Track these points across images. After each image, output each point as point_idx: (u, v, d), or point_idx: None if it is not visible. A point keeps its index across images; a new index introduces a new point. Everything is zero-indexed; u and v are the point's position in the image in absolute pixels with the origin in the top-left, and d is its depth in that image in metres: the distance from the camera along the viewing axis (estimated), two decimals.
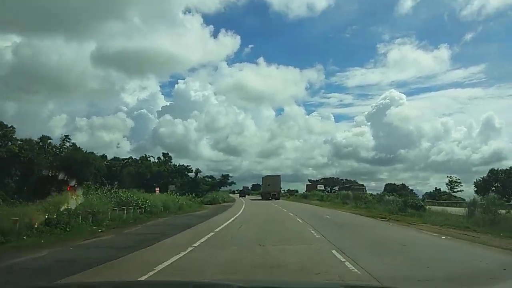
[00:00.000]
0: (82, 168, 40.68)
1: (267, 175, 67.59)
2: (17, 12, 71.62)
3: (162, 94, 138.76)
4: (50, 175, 22.00)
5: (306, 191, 78.64)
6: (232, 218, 20.91)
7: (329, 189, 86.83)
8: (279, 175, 67.64)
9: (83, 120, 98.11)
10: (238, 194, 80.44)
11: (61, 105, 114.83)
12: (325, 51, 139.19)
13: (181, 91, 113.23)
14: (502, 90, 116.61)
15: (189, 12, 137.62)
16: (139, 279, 6.43)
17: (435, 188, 71.10)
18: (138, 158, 65.79)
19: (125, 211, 17.05)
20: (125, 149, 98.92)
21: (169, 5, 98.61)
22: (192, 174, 67.43)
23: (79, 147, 51.38)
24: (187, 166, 67.25)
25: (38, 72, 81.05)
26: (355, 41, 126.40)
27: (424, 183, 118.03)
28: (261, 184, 71.48)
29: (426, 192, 65.73)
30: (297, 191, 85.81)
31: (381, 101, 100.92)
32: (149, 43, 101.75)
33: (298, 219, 20.90)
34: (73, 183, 15.82)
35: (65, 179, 16.39)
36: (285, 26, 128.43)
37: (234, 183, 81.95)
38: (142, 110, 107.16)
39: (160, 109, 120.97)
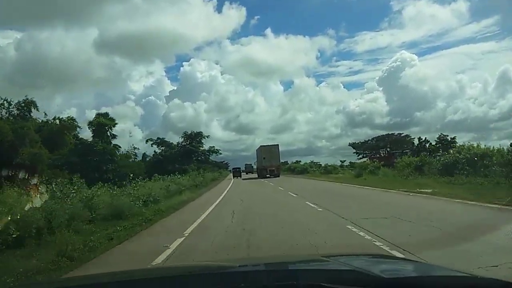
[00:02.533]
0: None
1: (262, 145, 52.93)
2: (14, 5, 68.35)
3: (168, 79, 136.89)
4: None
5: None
6: None
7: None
8: (277, 144, 52.20)
9: (93, 112, 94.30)
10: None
11: (69, 98, 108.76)
12: (332, 17, 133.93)
13: (188, 74, 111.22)
14: None
15: None
16: None
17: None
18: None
19: None
20: (137, 138, 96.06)
21: None
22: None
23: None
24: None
25: (42, 66, 78.36)
26: (363, 4, 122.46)
27: None
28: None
29: None
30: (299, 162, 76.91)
31: (392, 64, 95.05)
32: (152, 24, 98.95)
33: None
34: (35, 180, 13.80)
35: (26, 177, 14.31)
36: None
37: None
38: (150, 97, 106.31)
39: (168, 94, 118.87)
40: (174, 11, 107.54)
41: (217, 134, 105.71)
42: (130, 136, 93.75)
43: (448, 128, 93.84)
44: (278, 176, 46.75)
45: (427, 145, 50.69)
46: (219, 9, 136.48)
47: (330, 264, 2.09)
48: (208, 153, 65.43)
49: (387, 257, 2.42)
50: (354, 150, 67.64)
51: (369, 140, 67.04)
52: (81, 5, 79.10)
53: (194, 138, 62.48)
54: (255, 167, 60.84)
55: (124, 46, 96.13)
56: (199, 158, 62.76)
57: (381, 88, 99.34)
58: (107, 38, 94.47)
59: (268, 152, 49.11)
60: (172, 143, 61.56)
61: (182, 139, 61.93)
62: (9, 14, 70.26)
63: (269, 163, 48.25)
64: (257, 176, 51.85)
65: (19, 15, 74.90)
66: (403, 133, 64.42)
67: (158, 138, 61.96)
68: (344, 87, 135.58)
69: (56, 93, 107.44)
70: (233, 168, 67.68)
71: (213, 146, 66.82)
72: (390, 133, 66.19)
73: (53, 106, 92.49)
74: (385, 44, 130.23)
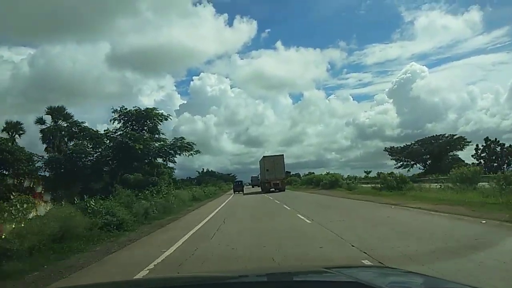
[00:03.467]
0: None
1: (264, 156, 47.22)
2: (27, 21, 68.77)
3: (178, 93, 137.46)
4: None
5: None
6: None
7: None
8: (282, 155, 46.55)
9: (104, 126, 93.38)
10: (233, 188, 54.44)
11: (81, 112, 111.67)
12: (342, 29, 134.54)
13: (198, 87, 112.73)
14: None
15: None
16: None
17: None
18: None
19: None
20: None
21: None
22: None
23: None
24: None
25: (54, 81, 77.84)
26: (371, 16, 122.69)
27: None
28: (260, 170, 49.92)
29: None
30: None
31: (402, 75, 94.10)
32: (163, 38, 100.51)
33: None
34: (39, 189, 13.85)
35: (31, 185, 14.37)
36: (301, 5, 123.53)
37: None
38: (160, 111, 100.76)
39: (178, 108, 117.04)
40: (185, 25, 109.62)
41: (227, 147, 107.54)
42: None
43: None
44: (283, 190, 42.58)
45: (497, 148, 43.37)
46: (230, 22, 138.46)
47: (332, 276, 2.03)
48: (170, 152, 29.90)
49: (392, 269, 2.38)
50: (391, 157, 60.04)
51: (410, 144, 58.99)
52: (93, 20, 79.87)
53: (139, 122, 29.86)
54: None
55: (135, 61, 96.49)
56: (158, 162, 30.13)
57: (391, 100, 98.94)
58: (119, 52, 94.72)
59: (272, 164, 43.88)
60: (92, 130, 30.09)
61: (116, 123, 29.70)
62: (23, 30, 71.55)
63: (273, 176, 43.39)
64: (261, 190, 47.42)
65: (32, 31, 76.42)
66: (456, 135, 56.58)
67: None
68: (353, 99, 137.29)
69: (68, 107, 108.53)
70: (234, 182, 60.78)
71: (182, 138, 31.57)
72: (437, 134, 58.24)
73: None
74: (395, 56, 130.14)
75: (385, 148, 63.55)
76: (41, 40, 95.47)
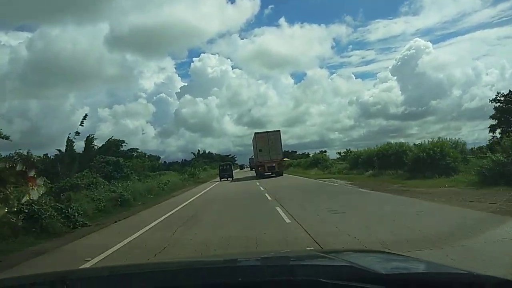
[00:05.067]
0: None
1: (256, 133, 38.21)
2: (25, 3, 66.46)
3: (179, 76, 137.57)
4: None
5: None
6: None
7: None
8: (278, 131, 37.38)
9: (106, 111, 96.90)
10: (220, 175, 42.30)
11: (82, 97, 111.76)
12: (345, 5, 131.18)
13: (198, 69, 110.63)
14: None
15: None
16: None
17: None
18: None
19: None
20: (150, 135, 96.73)
21: None
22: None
23: None
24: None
25: (54, 64, 76.66)
26: None
27: (456, 133, 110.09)
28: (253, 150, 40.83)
29: None
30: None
31: (406, 52, 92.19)
32: (163, 17, 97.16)
33: None
34: (32, 173, 13.70)
35: (24, 169, 14.21)
36: None
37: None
38: (161, 95, 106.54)
39: (179, 90, 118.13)
40: (186, 3, 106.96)
41: (229, 129, 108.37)
42: (143, 133, 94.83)
43: (464, 116, 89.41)
44: (281, 175, 35.53)
45: None
46: None
47: (328, 260, 2.02)
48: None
49: (388, 253, 2.40)
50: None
51: None
52: (90, 0, 77.90)
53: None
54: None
55: (136, 41, 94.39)
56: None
57: (394, 78, 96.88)
58: (119, 33, 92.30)
59: (265, 142, 35.95)
60: None
61: None
62: (21, 12, 69.77)
63: (268, 157, 35.52)
64: (255, 175, 39.44)
65: (30, 13, 74.61)
66: None
67: None
68: (356, 78, 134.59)
69: (69, 91, 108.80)
70: (219, 166, 45.15)
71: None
72: None
73: (67, 105, 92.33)
74: (399, 32, 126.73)
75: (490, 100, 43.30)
76: (39, 22, 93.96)
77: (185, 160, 77.62)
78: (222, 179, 39.73)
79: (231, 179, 39.65)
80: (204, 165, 63.40)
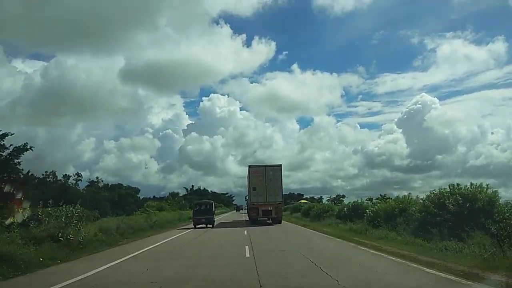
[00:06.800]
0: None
1: (251, 165, 31.07)
2: (41, 30, 71.61)
3: (186, 113, 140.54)
4: None
5: None
6: None
7: None
8: (279, 165, 30.13)
9: (111, 143, 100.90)
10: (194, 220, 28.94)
11: (89, 128, 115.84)
12: (357, 58, 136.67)
13: (208, 107, 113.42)
14: None
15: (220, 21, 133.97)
16: None
17: None
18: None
19: None
20: (153, 169, 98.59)
21: (200, 12, 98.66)
22: None
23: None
24: None
25: (65, 94, 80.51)
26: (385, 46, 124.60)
27: None
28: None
29: None
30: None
31: (413, 106, 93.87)
32: (180, 54, 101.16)
33: None
34: (19, 196, 14.19)
35: (12, 191, 14.71)
36: (322, 29, 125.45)
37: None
38: (167, 131, 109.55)
39: (186, 128, 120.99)
40: (203, 42, 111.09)
41: (232, 169, 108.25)
42: (146, 168, 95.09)
43: (469, 173, 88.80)
44: (279, 222, 29.25)
45: None
46: (248, 43, 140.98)
47: None
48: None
49: None
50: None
51: None
52: (109, 32, 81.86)
53: None
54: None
55: (149, 76, 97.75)
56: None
57: (400, 130, 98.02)
58: (133, 67, 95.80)
59: (262, 179, 28.86)
60: None
61: None
62: (38, 39, 74.81)
63: (263, 199, 28.66)
64: (247, 218, 32.98)
65: (47, 40, 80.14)
66: None
67: None
68: (361, 127, 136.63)
69: (77, 121, 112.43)
70: (194, 205, 31.19)
71: None
72: None
73: (73, 135, 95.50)
74: (406, 86, 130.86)
75: None
76: (55, 50, 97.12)
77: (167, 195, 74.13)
78: (197, 226, 27.54)
79: (211, 225, 27.85)
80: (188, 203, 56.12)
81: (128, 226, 21.47)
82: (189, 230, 25.36)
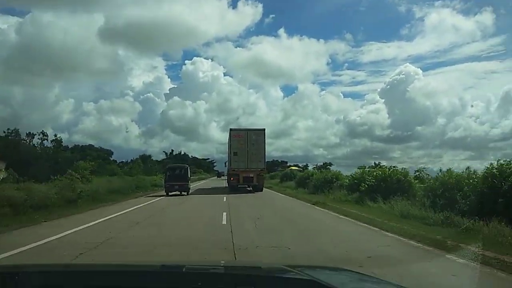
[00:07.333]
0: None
1: (233, 128, 29.51)
2: None
3: (169, 77, 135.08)
4: None
5: None
6: None
7: None
8: (262, 130, 28.96)
9: (91, 105, 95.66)
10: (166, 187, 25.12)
11: (68, 89, 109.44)
12: (342, 25, 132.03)
13: (191, 71, 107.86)
14: None
15: None
16: None
17: None
18: None
19: None
20: (133, 133, 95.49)
21: None
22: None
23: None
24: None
25: (42, 51, 75.06)
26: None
27: (436, 161, 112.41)
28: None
29: None
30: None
31: (396, 76, 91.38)
32: (162, 13, 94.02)
33: None
34: None
35: None
36: None
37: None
38: (149, 94, 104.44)
39: (168, 92, 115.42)
40: (187, 2, 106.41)
41: (215, 135, 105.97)
42: (127, 131, 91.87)
43: (447, 145, 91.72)
44: (261, 190, 27.72)
45: None
46: (234, 4, 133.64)
47: (290, 273, 2.03)
48: None
49: (351, 271, 2.45)
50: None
51: None
52: None
53: None
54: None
55: (130, 36, 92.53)
56: None
57: (383, 100, 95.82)
58: (113, 26, 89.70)
59: (244, 143, 27.39)
60: None
61: None
62: None
63: (245, 165, 27.08)
64: (227, 185, 30.03)
65: None
66: None
67: None
68: (345, 97, 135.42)
69: (55, 81, 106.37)
70: (167, 169, 27.40)
71: None
72: None
73: (51, 96, 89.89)
74: (391, 56, 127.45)
75: None
76: (31, 6, 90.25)
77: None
78: (170, 193, 24.43)
79: (186, 193, 24.95)
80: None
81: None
82: (158, 199, 22.06)
